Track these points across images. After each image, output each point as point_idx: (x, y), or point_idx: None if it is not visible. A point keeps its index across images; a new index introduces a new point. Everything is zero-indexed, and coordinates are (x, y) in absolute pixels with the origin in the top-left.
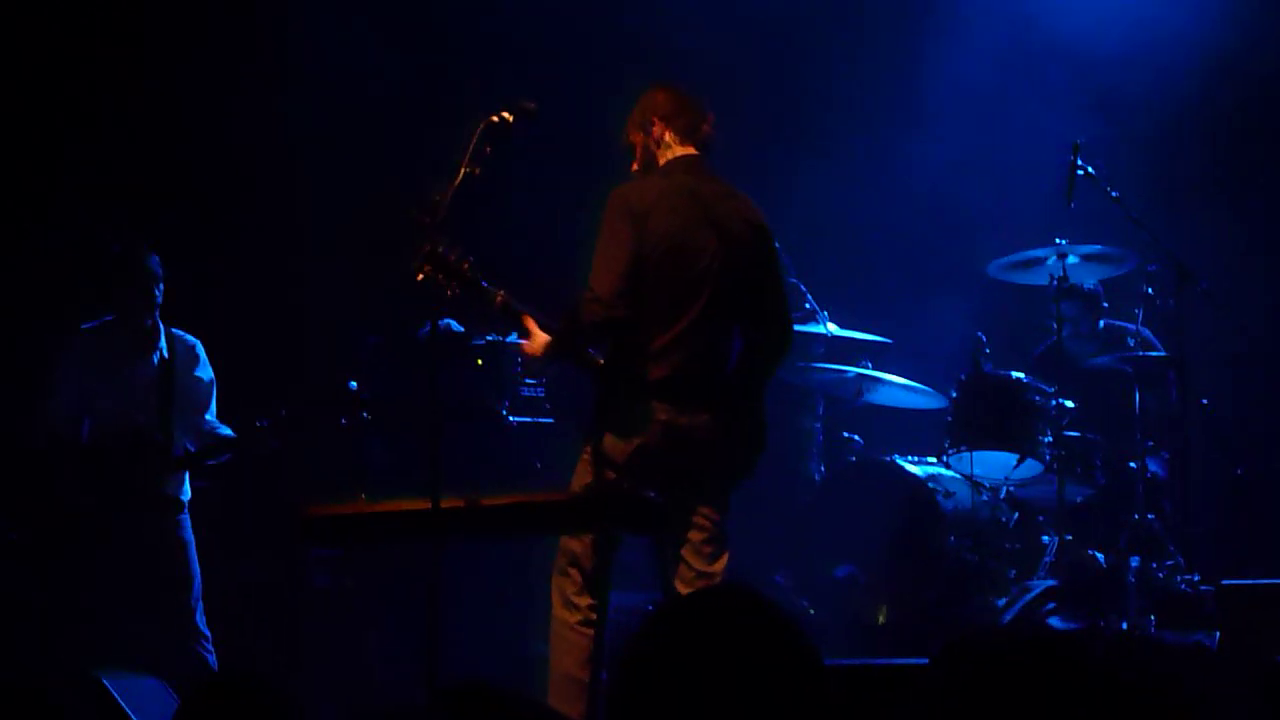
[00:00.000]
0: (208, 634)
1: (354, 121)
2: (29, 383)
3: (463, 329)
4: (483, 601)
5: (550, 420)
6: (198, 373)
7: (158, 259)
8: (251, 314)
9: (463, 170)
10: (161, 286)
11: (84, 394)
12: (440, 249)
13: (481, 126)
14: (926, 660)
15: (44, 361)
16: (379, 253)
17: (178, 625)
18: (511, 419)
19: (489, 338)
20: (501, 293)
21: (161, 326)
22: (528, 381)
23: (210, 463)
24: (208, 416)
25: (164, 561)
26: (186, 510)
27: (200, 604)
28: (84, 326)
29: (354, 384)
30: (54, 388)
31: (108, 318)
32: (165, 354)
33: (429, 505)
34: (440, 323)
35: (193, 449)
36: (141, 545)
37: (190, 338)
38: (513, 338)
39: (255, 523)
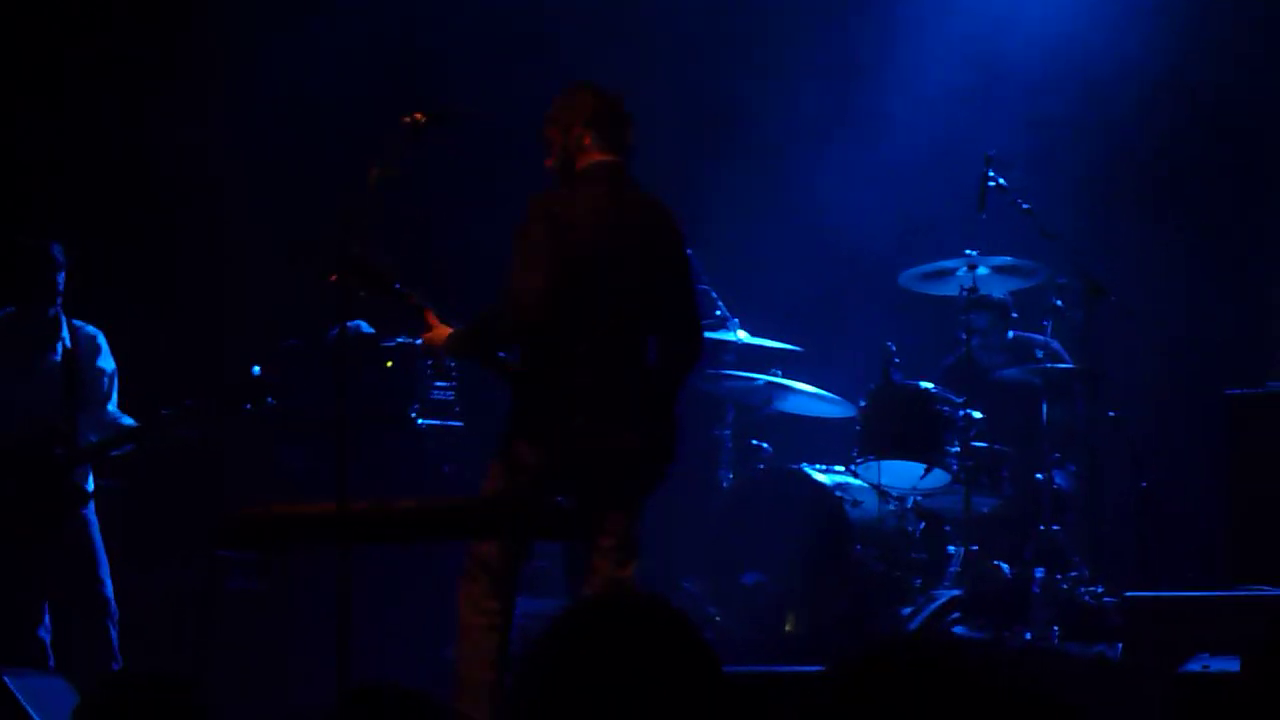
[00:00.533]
0: (115, 612)
1: (277, 123)
2: None
3: (373, 331)
4: (393, 605)
5: (460, 424)
6: (99, 363)
7: (59, 247)
8: (166, 314)
9: (375, 172)
10: (63, 275)
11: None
12: (354, 251)
13: (397, 128)
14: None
15: None
16: (297, 255)
17: (87, 600)
18: (421, 422)
19: (399, 340)
20: (413, 294)
21: (63, 317)
22: (438, 385)
23: (114, 453)
24: (110, 408)
25: (72, 551)
26: (91, 502)
27: (109, 581)
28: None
29: (257, 369)
30: None
31: (9, 309)
32: (68, 344)
33: (338, 508)
34: (350, 324)
35: (94, 440)
36: (48, 537)
37: (91, 328)
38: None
39: (166, 524)
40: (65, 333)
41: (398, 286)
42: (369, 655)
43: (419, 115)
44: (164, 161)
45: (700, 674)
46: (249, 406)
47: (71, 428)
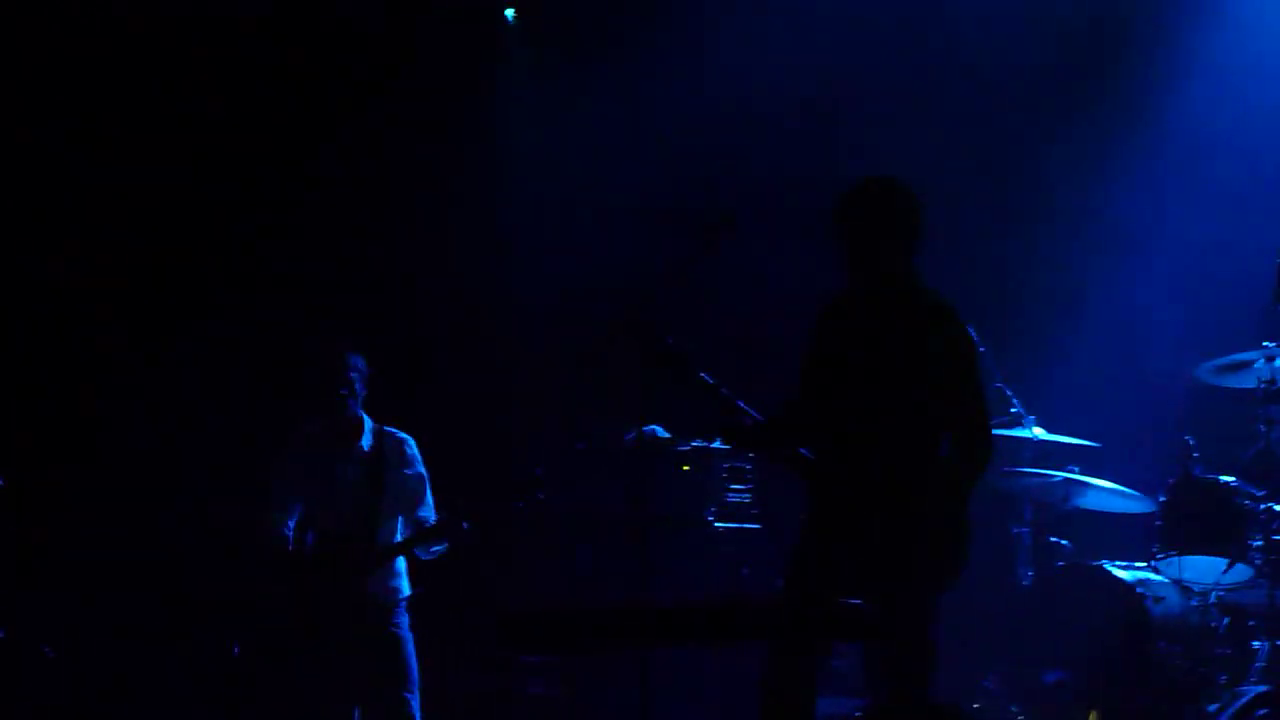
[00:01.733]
0: None
1: (571, 224)
2: (242, 489)
3: (669, 434)
4: (694, 707)
5: (758, 526)
6: (406, 469)
7: (360, 356)
8: (459, 423)
9: (673, 273)
10: (361, 381)
11: (298, 497)
12: (665, 339)
13: (691, 234)
14: None
15: (256, 468)
16: (586, 361)
17: (394, 712)
18: (718, 525)
19: (695, 443)
20: (718, 384)
21: (368, 422)
22: (734, 487)
23: (424, 555)
24: (421, 513)
25: (383, 659)
26: (404, 606)
27: (416, 697)
28: (306, 429)
29: (540, 469)
30: (270, 495)
31: (313, 419)
32: (368, 449)
33: (638, 609)
34: (646, 429)
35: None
36: (358, 643)
37: (400, 433)
38: (717, 444)
39: (463, 628)
40: (368, 438)
41: (703, 376)
42: None
43: (714, 224)
44: (460, 265)
45: None
46: (521, 504)
47: (373, 532)
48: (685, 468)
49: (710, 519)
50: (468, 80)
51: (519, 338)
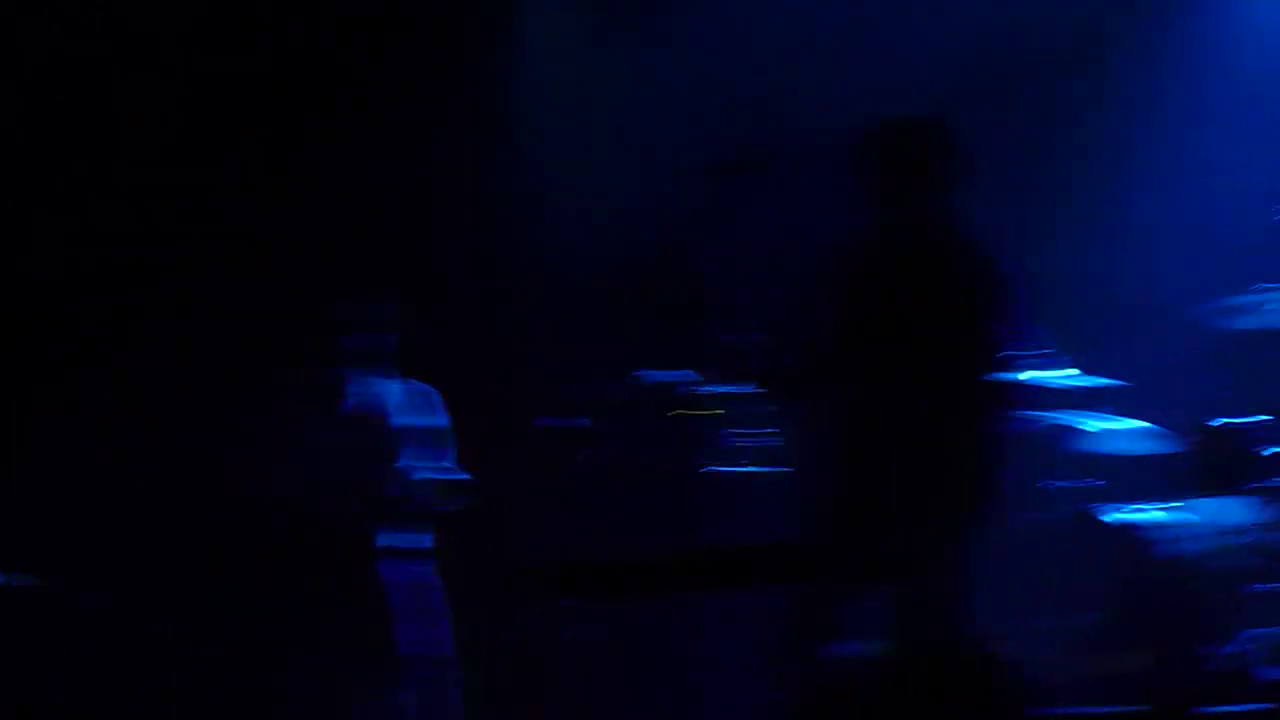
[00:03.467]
0: (427, 672)
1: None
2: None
3: (698, 378)
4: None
5: (790, 469)
6: (433, 420)
7: (393, 307)
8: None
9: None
10: (394, 335)
11: (323, 447)
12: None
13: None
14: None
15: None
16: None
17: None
18: (749, 469)
19: (723, 388)
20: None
21: (395, 374)
22: (766, 431)
23: (445, 509)
24: (445, 463)
25: (405, 604)
26: (430, 559)
27: (412, 643)
28: (330, 380)
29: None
30: (297, 442)
31: (357, 370)
32: (396, 399)
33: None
34: (671, 374)
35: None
36: (380, 592)
37: (424, 385)
38: (750, 389)
39: (490, 574)
40: (396, 390)
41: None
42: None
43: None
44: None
45: None
46: (581, 456)
47: (403, 482)
48: (716, 412)
49: (742, 465)
50: (493, 20)
51: (544, 286)
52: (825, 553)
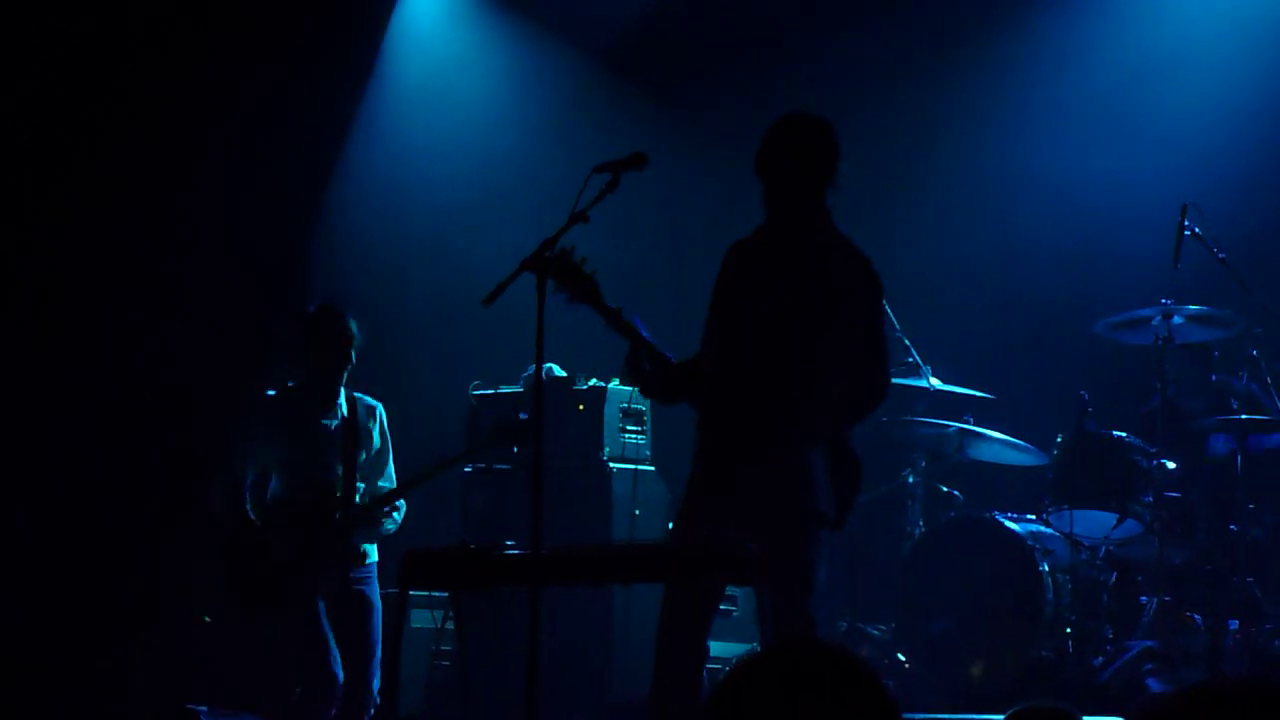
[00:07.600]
0: (377, 700)
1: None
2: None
3: (565, 374)
4: (580, 646)
5: (651, 468)
6: (377, 436)
7: (354, 321)
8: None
9: (572, 217)
10: (356, 348)
11: (271, 456)
12: (569, 249)
13: (590, 175)
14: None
15: (226, 424)
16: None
17: (354, 686)
18: (612, 465)
19: (591, 383)
20: (619, 308)
21: (343, 388)
22: (630, 429)
23: (388, 525)
24: (382, 482)
25: (349, 623)
26: (374, 572)
27: (378, 670)
28: (269, 393)
29: (524, 415)
30: (242, 453)
31: (289, 383)
32: (345, 413)
33: (529, 550)
34: (544, 367)
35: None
36: (329, 601)
37: (371, 400)
38: (614, 384)
39: None
40: (342, 401)
41: (613, 306)
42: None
43: (616, 162)
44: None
45: None
46: (515, 450)
47: (350, 491)
48: (581, 407)
49: (605, 459)
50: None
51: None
52: (685, 551)
